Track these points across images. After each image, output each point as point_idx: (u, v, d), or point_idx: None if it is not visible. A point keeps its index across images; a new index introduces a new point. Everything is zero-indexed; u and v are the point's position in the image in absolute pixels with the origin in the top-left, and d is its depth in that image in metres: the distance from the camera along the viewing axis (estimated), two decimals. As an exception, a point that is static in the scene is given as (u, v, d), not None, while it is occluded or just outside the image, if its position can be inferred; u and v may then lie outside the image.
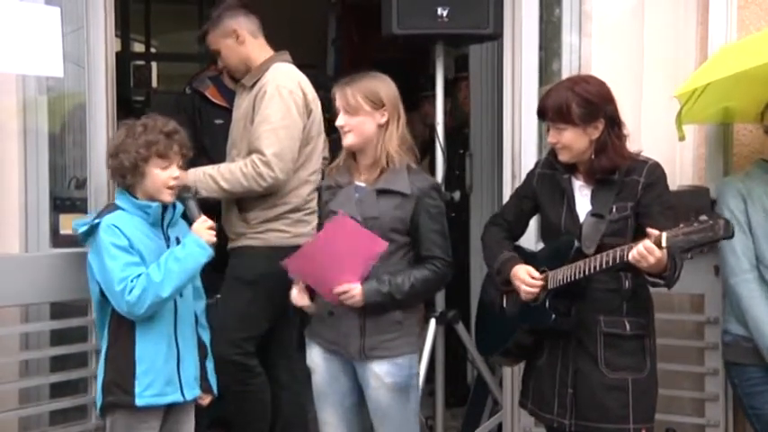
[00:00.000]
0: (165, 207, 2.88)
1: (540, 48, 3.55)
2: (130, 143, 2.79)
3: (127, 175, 2.81)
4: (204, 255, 2.79)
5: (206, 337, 3.06)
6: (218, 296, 3.63)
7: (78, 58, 3.29)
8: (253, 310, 3.45)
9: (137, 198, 2.83)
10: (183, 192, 2.90)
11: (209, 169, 3.41)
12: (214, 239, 2.83)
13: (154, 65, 8.07)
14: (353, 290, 2.76)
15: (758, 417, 2.99)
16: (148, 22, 7.63)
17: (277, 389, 3.57)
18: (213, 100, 4.36)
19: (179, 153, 2.85)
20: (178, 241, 2.86)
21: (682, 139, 3.10)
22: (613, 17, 3.53)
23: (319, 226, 2.97)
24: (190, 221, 2.92)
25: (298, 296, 2.92)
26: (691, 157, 3.43)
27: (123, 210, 2.82)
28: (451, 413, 4.41)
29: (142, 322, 2.76)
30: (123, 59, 6.83)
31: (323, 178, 3.04)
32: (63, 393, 3.16)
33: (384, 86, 2.85)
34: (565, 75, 3.43)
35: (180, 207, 2.92)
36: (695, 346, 3.35)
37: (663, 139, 3.23)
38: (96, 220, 2.78)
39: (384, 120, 2.82)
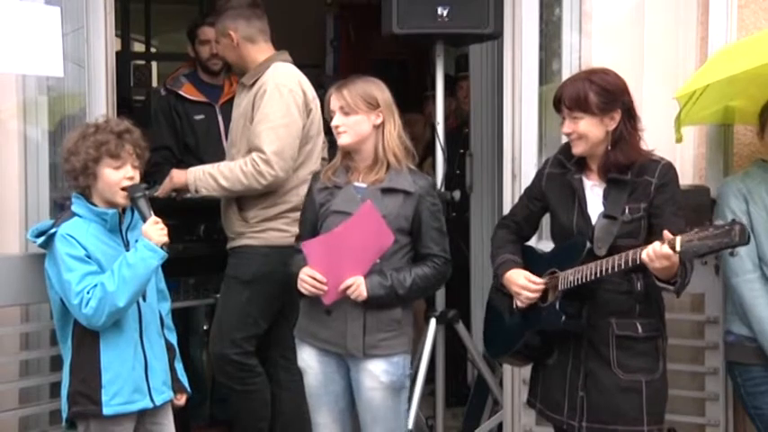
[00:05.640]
0: (123, 210, 2.82)
1: (541, 47, 3.55)
2: (81, 144, 2.73)
3: (79, 177, 2.74)
4: (156, 258, 2.70)
5: (173, 339, 3.01)
6: (218, 296, 3.64)
7: (78, 58, 3.28)
8: (252, 310, 3.45)
9: (93, 203, 2.77)
10: (133, 191, 2.77)
11: (209, 168, 3.42)
12: (165, 239, 2.73)
13: (154, 65, 8.07)
14: (358, 281, 2.77)
15: (761, 417, 2.99)
16: (148, 22, 7.62)
17: (276, 388, 3.58)
18: (190, 97, 4.38)
19: (132, 153, 2.77)
20: None
21: (679, 141, 3.11)
22: (613, 17, 3.53)
23: (318, 227, 2.91)
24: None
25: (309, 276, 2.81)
26: (691, 157, 3.44)
27: (80, 216, 2.75)
28: (452, 413, 4.41)
29: (106, 330, 2.71)
30: (123, 59, 6.82)
31: (313, 180, 2.99)
32: (61, 393, 3.16)
33: (378, 89, 2.88)
34: (565, 74, 3.43)
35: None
36: (695, 346, 3.35)
37: (663, 138, 3.21)
38: (53, 230, 2.71)
39: (379, 121, 2.85)
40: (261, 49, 3.55)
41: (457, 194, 4.04)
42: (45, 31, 3.02)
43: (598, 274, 2.54)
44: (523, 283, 2.73)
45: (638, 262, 2.45)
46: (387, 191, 2.83)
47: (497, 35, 3.60)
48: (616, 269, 2.51)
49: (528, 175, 3.29)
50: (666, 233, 2.39)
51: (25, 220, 3.17)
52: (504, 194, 3.60)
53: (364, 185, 2.87)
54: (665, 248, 2.37)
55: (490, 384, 3.84)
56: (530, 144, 3.53)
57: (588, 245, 2.62)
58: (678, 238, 2.35)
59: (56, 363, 3.11)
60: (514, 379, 3.52)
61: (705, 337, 3.32)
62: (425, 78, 5.19)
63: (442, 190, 3.77)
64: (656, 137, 3.25)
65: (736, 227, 2.28)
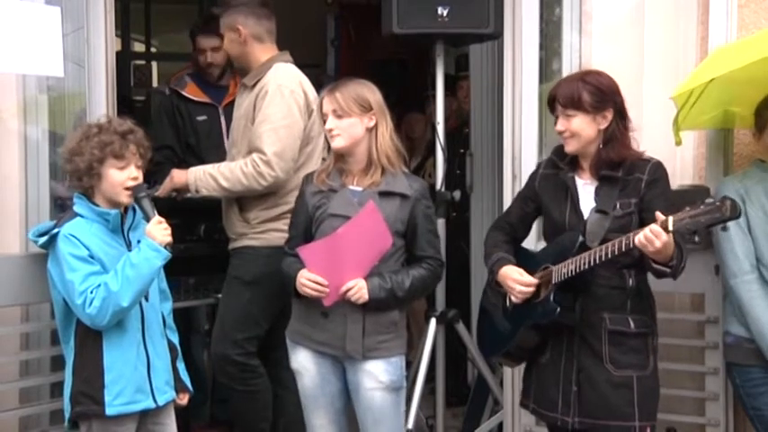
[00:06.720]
0: (125, 210, 2.82)
1: (541, 47, 3.56)
2: (84, 145, 2.72)
3: (83, 178, 2.73)
4: (159, 257, 2.70)
5: (175, 339, 3.01)
6: (219, 296, 3.64)
7: (78, 57, 3.29)
8: (253, 310, 3.45)
9: (96, 203, 2.77)
10: (137, 191, 2.77)
11: (210, 168, 3.42)
12: (169, 239, 2.73)
13: (154, 65, 8.07)
14: (359, 284, 2.77)
15: (760, 417, 2.99)
16: (148, 21, 7.63)
17: (279, 389, 3.57)
18: (193, 97, 4.37)
19: (136, 153, 2.77)
20: None
21: (678, 144, 3.11)
22: (614, 16, 3.53)
23: (313, 230, 2.90)
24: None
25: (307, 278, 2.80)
26: (691, 157, 3.44)
27: (82, 217, 2.75)
28: (452, 413, 4.41)
29: (109, 330, 2.71)
30: (123, 59, 6.82)
31: (305, 183, 2.99)
32: (63, 393, 3.16)
33: (370, 92, 2.88)
34: (565, 74, 3.43)
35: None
36: (695, 346, 3.35)
37: (663, 138, 3.22)
38: (55, 230, 2.71)
39: (372, 123, 2.86)
40: (266, 49, 3.55)
41: (457, 194, 4.05)
42: (45, 31, 3.02)
43: (592, 263, 2.58)
44: (517, 278, 2.76)
45: (630, 246, 2.48)
46: (384, 194, 2.84)
47: (497, 35, 3.60)
48: (610, 255, 2.54)
49: (528, 175, 3.28)
50: (658, 214, 2.43)
51: (26, 220, 3.17)
52: (504, 194, 3.60)
53: (360, 189, 2.87)
54: (657, 228, 2.40)
55: (490, 384, 3.84)
56: (530, 144, 3.54)
57: (581, 238, 2.65)
58: (670, 218, 2.39)
59: (56, 363, 3.11)
60: (515, 379, 3.52)
61: (705, 337, 3.32)
62: (425, 78, 5.21)
63: (443, 190, 3.77)
64: (656, 136, 3.27)
65: (727, 202, 2.32)
